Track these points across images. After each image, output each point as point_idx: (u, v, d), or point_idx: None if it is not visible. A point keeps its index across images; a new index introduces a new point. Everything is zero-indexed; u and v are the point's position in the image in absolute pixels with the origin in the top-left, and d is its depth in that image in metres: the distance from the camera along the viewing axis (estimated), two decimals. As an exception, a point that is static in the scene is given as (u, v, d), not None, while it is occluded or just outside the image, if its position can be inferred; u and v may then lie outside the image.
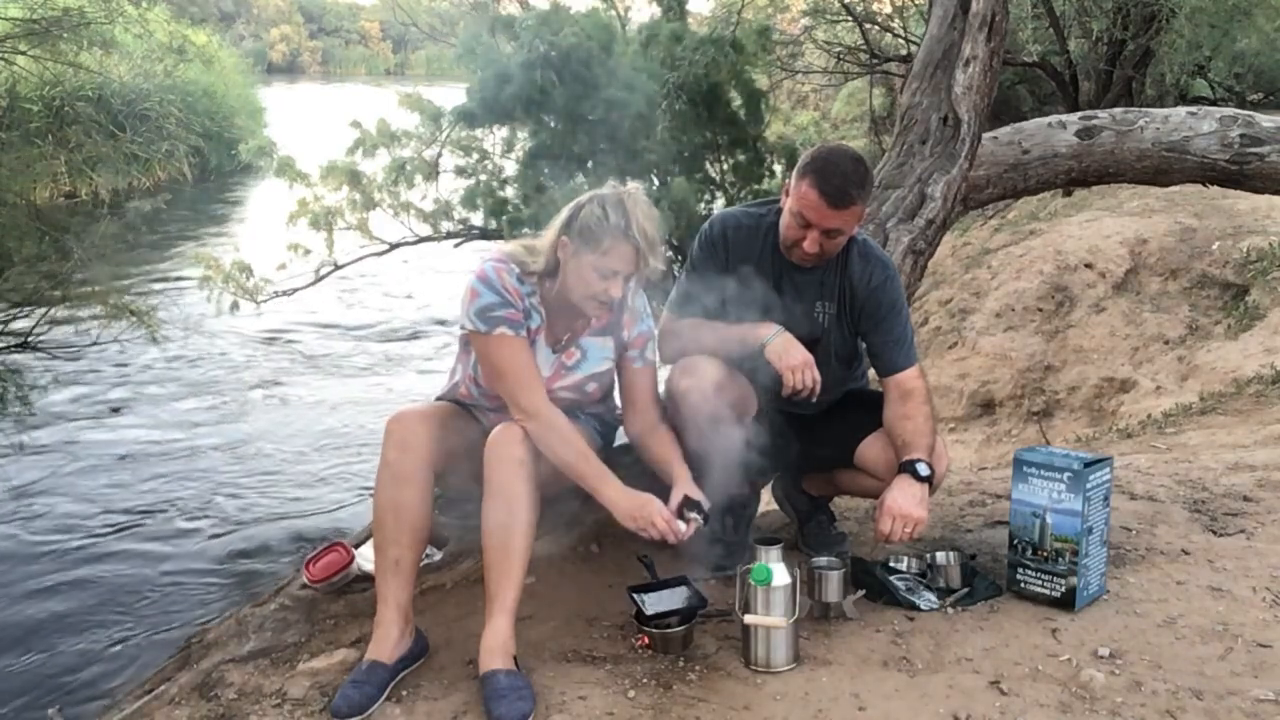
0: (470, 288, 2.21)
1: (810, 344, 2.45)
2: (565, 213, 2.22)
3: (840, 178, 2.26)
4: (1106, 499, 2.34)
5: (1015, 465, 2.34)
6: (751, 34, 7.18)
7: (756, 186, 6.91)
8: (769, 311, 2.42)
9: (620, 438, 2.58)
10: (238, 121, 16.91)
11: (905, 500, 2.27)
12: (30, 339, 5.02)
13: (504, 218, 6.97)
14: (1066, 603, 2.28)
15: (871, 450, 2.48)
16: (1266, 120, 3.91)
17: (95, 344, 5.24)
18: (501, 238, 6.85)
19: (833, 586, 2.27)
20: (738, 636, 2.15)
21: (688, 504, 2.19)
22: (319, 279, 6.84)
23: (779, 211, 2.42)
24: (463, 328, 2.26)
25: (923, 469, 2.31)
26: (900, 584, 2.40)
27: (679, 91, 6.36)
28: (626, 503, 2.15)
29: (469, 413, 2.37)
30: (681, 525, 2.15)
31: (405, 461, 2.11)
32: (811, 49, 12.79)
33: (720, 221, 2.52)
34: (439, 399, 2.45)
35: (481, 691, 1.95)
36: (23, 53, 4.99)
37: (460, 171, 7.25)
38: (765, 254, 2.45)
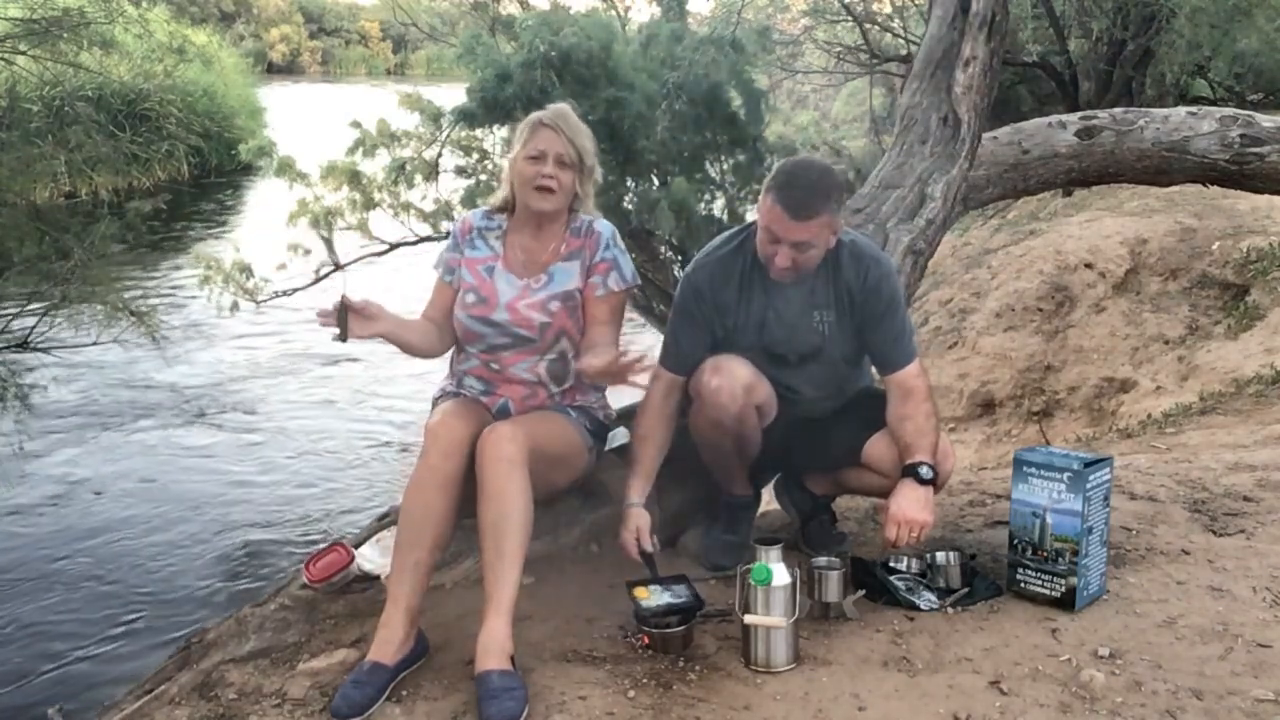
0: None
1: (813, 354, 2.46)
2: None
3: (801, 190, 2.26)
4: (1106, 499, 2.34)
5: (1015, 465, 2.34)
6: (751, 34, 7.17)
7: (756, 187, 6.89)
8: (763, 333, 2.44)
9: (615, 440, 2.59)
10: (238, 121, 16.91)
11: (910, 505, 2.28)
12: (30, 339, 5.01)
13: (504, 218, 6.93)
14: (1066, 603, 2.28)
15: (878, 448, 2.48)
16: (1266, 120, 3.91)
17: (95, 344, 5.24)
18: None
19: (833, 586, 2.27)
20: (738, 636, 2.15)
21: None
22: (319, 279, 6.82)
23: (754, 233, 2.41)
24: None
25: (925, 472, 2.31)
26: (900, 584, 2.40)
27: (679, 91, 6.34)
28: None
29: (484, 407, 2.39)
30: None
31: (447, 468, 2.12)
32: (811, 49, 12.81)
33: (696, 271, 2.50)
34: (439, 395, 2.47)
35: (476, 692, 1.95)
36: (23, 53, 4.99)
37: (460, 171, 7.22)
38: (747, 283, 2.45)
